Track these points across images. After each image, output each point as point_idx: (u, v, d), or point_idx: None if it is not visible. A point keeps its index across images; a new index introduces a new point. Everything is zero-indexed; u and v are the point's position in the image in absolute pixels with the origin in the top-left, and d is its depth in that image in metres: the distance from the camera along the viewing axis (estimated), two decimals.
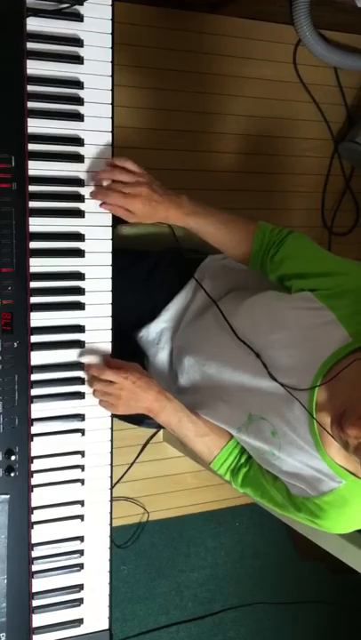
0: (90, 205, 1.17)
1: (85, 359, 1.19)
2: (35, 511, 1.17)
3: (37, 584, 1.19)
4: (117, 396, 1.18)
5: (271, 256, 1.23)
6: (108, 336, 1.21)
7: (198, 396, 1.31)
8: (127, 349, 1.43)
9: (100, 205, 1.16)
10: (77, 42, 1.12)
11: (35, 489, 1.17)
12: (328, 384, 1.06)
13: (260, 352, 1.17)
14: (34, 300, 1.13)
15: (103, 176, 1.16)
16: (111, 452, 1.24)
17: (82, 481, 1.22)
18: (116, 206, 1.16)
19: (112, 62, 1.15)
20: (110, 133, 1.17)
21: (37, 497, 1.17)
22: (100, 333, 1.20)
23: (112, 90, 1.16)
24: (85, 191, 1.16)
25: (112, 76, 1.16)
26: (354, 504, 1.13)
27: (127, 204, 1.16)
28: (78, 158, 1.15)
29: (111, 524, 1.26)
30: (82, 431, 1.20)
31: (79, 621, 1.24)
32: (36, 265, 1.13)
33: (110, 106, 1.16)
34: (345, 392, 1.04)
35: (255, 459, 1.26)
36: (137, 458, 1.48)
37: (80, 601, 1.23)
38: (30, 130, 1.10)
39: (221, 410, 1.25)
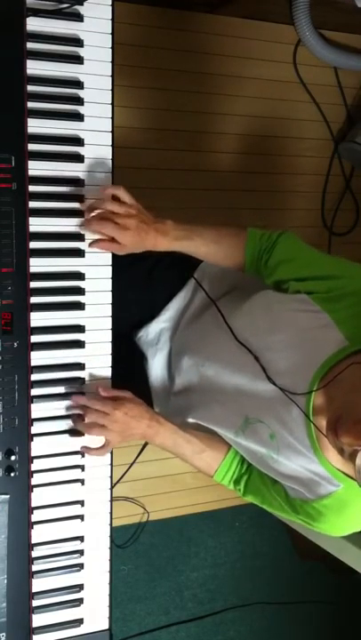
0: None
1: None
2: (35, 511, 1.17)
3: (37, 584, 1.19)
4: (111, 427, 1.18)
5: (265, 262, 1.23)
6: (108, 336, 1.21)
7: (195, 397, 1.30)
8: (126, 349, 1.44)
9: (91, 245, 1.16)
10: (77, 42, 1.12)
11: (35, 489, 1.17)
12: (325, 387, 1.06)
13: (258, 354, 1.17)
14: (34, 300, 1.13)
15: (96, 205, 1.15)
16: (111, 452, 1.24)
17: (82, 481, 1.22)
18: (107, 240, 1.16)
19: (112, 62, 1.15)
20: (110, 133, 1.17)
21: (37, 497, 1.17)
22: (100, 333, 1.20)
23: (112, 90, 1.16)
24: (85, 192, 1.16)
25: (112, 76, 1.16)
26: (352, 507, 1.13)
27: (119, 237, 1.15)
28: (78, 158, 1.15)
29: (111, 524, 1.26)
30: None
31: (79, 621, 1.24)
32: (36, 265, 1.13)
33: (110, 106, 1.16)
34: (342, 396, 1.04)
35: (253, 463, 1.25)
36: (137, 458, 1.48)
37: (80, 601, 1.23)
38: (30, 130, 1.10)
39: (217, 412, 1.25)
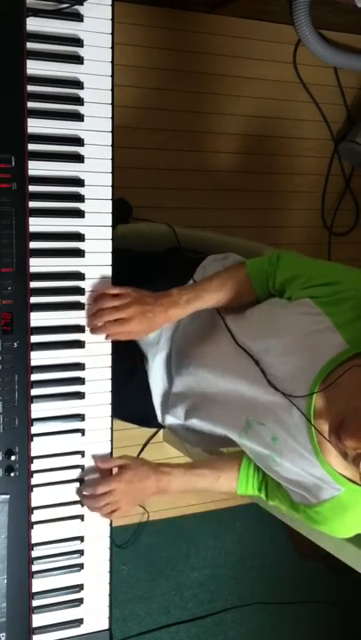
0: (90, 205, 1.17)
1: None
2: (35, 511, 1.17)
3: (37, 584, 1.19)
4: (120, 500, 1.22)
5: (272, 285, 1.25)
6: None
7: (196, 398, 1.30)
8: (126, 349, 1.43)
9: (107, 338, 1.19)
10: (77, 42, 1.12)
11: (35, 489, 1.17)
12: (326, 391, 1.06)
13: (258, 358, 1.17)
14: (34, 299, 1.13)
15: (94, 310, 1.17)
16: (111, 452, 1.24)
17: (82, 481, 1.22)
18: (116, 335, 1.19)
19: (112, 62, 1.15)
20: (110, 133, 1.17)
21: (37, 497, 1.17)
22: None
23: (112, 90, 1.16)
24: (85, 191, 1.16)
25: (112, 76, 1.16)
26: (354, 510, 1.13)
27: (125, 329, 1.18)
28: (78, 158, 1.15)
29: (111, 524, 1.26)
30: (82, 431, 1.20)
31: (79, 621, 1.24)
32: (36, 265, 1.13)
33: (110, 106, 1.16)
34: (343, 399, 1.04)
35: (258, 464, 1.26)
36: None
37: (80, 601, 1.23)
38: (30, 130, 1.10)
39: (219, 414, 1.25)
